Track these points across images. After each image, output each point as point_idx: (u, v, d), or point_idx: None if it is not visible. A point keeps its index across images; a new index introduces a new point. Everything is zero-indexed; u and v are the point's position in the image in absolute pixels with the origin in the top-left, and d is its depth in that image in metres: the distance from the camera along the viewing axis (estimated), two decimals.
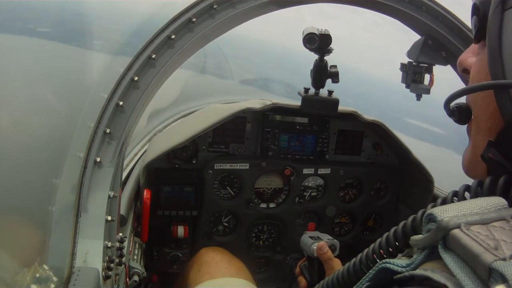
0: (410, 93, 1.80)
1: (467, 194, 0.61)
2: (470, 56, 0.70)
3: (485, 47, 0.63)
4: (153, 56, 1.35)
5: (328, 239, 1.61)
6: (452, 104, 0.70)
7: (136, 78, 1.31)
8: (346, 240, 2.17)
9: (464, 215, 0.48)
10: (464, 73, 0.72)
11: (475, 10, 0.66)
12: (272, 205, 2.03)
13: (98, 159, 1.16)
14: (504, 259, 0.40)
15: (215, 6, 1.45)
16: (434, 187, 1.98)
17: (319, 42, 1.61)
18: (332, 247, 1.55)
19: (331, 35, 1.61)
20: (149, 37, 1.38)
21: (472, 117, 0.68)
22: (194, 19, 1.42)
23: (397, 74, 1.84)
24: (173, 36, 1.39)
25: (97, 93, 1.32)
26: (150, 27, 1.41)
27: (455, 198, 0.62)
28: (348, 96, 2.23)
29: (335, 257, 1.50)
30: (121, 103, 1.26)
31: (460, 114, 0.69)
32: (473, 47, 0.70)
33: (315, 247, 1.50)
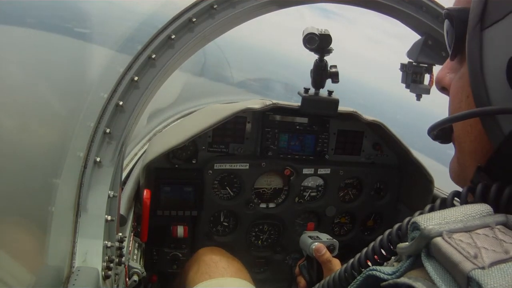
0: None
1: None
2: (448, 73, 0.67)
3: (462, 64, 0.61)
4: (153, 56, 1.35)
5: (327, 239, 1.62)
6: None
7: (136, 78, 1.31)
8: (346, 240, 2.17)
9: (447, 222, 0.48)
10: (443, 90, 0.69)
11: (449, 27, 0.63)
12: (271, 205, 2.03)
13: (98, 159, 1.16)
14: (482, 268, 0.40)
15: (215, 6, 1.45)
16: (434, 187, 1.98)
17: (319, 42, 1.61)
18: (331, 247, 1.55)
19: (331, 35, 1.61)
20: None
21: (453, 134, 0.66)
22: (194, 19, 1.42)
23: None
24: (173, 36, 1.39)
25: (97, 93, 1.32)
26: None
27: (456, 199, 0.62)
28: (397, 126, 2.21)
29: (334, 257, 1.50)
30: (121, 103, 1.26)
31: (444, 136, 0.68)
32: (449, 63, 0.67)
33: (314, 247, 1.50)
